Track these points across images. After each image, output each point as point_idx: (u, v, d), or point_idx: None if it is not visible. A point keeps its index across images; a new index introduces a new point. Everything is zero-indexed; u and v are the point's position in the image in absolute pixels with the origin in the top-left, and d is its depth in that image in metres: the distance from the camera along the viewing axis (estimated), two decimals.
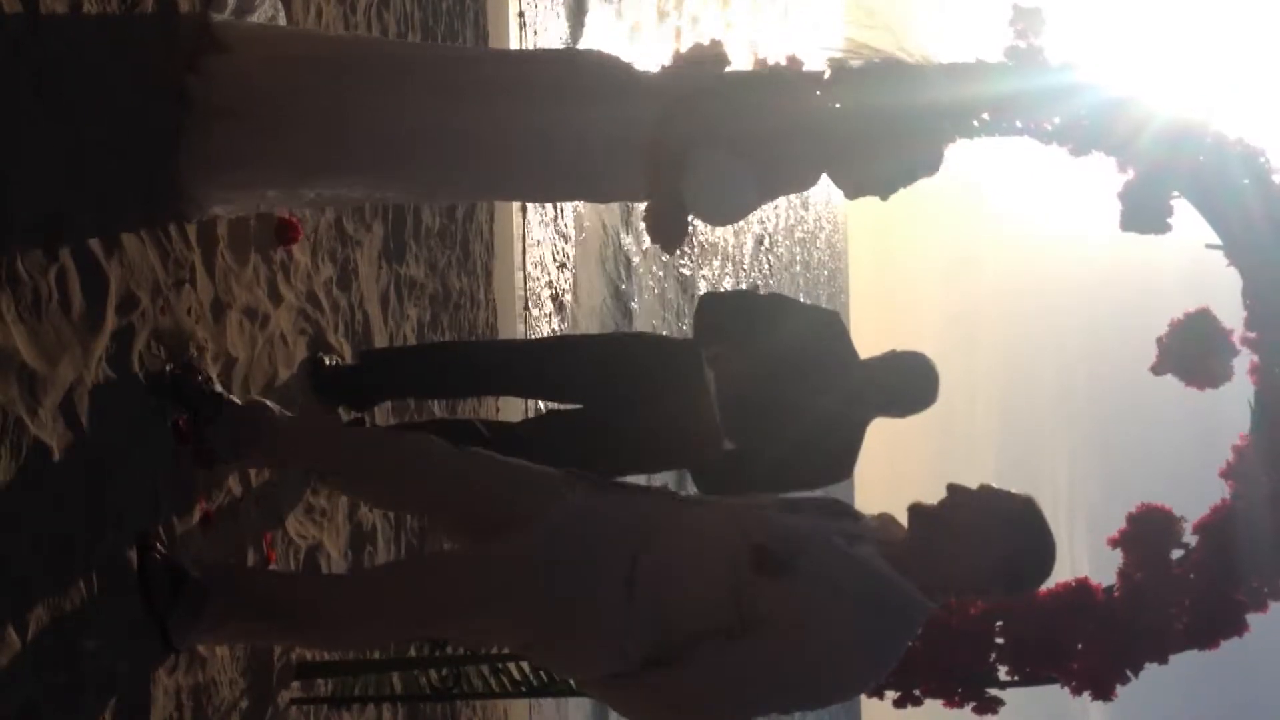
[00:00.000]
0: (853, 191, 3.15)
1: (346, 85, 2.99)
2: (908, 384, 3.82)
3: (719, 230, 15.02)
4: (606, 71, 3.09)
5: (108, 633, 2.63)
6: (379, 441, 3.23)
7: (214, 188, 3.02)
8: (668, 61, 3.49)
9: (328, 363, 3.88)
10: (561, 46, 8.01)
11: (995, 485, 2.69)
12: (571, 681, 3.61)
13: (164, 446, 2.92)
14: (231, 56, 3.02)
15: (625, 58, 3.14)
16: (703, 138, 2.95)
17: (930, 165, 3.11)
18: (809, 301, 4.86)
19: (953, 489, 2.70)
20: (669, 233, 3.07)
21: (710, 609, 2.57)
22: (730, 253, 15.82)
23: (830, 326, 3.94)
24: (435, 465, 2.94)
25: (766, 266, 20.01)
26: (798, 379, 3.71)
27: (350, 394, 3.98)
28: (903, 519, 2.72)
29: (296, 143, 2.99)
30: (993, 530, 2.60)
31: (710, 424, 3.62)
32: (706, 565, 2.62)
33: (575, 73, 3.07)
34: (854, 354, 3.90)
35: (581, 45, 8.95)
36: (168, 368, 2.92)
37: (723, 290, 6.77)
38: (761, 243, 19.43)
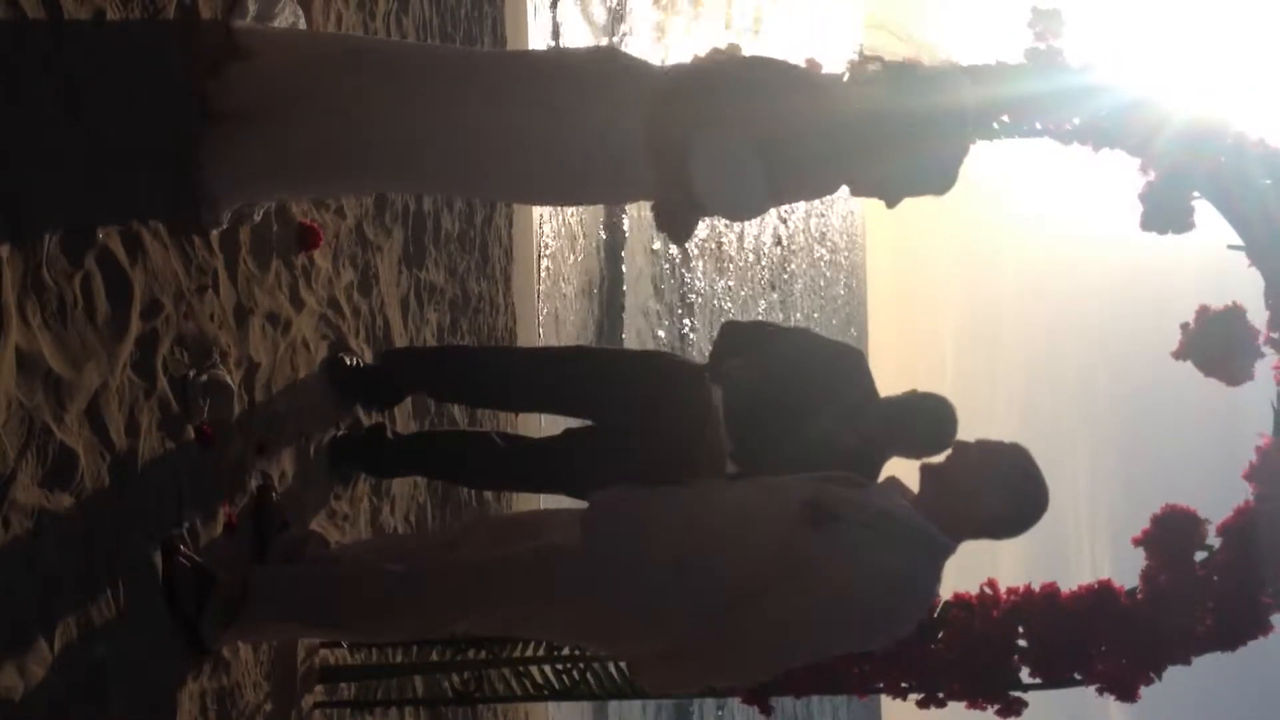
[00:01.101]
0: (859, 188, 3.13)
1: (364, 87, 2.98)
2: (924, 426, 3.77)
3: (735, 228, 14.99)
4: (620, 68, 3.07)
5: (133, 636, 2.64)
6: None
7: (235, 192, 3.03)
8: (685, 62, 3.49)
9: (348, 362, 3.90)
10: (578, 45, 8.02)
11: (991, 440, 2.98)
12: (622, 666, 3.69)
13: (188, 451, 2.94)
14: (253, 62, 3.03)
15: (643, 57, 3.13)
16: (705, 120, 2.92)
17: (940, 180, 3.08)
18: (828, 334, 4.87)
19: (955, 444, 3.02)
20: (677, 225, 3.07)
21: (759, 572, 2.77)
22: (744, 253, 15.82)
23: (850, 361, 3.95)
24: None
25: (784, 266, 20.01)
26: (808, 404, 3.70)
27: (370, 392, 4.01)
28: (912, 484, 2.99)
29: (314, 144, 3.00)
30: (991, 474, 2.87)
31: (713, 449, 3.63)
32: (752, 533, 2.84)
33: (599, 80, 3.05)
34: (873, 390, 3.89)
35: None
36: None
37: (742, 320, 6.84)
38: (780, 242, 19.42)
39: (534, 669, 4.02)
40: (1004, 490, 2.86)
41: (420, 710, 4.51)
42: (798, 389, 3.74)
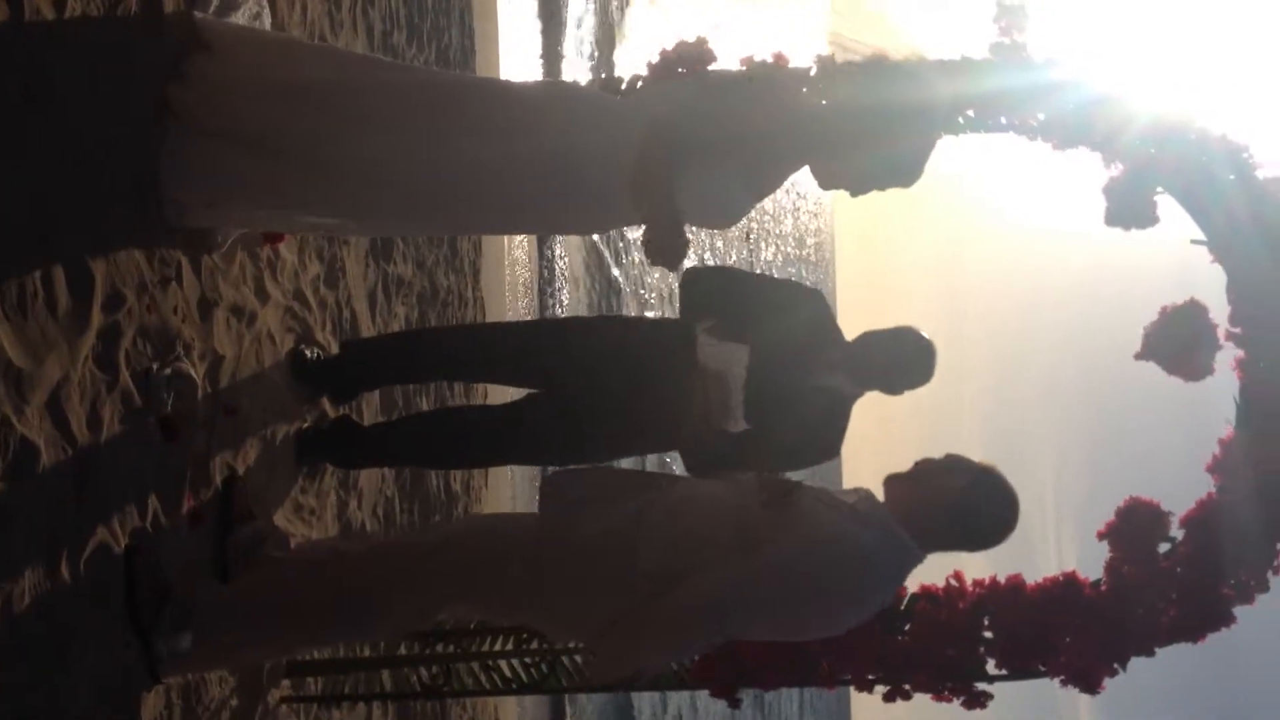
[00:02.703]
0: (827, 181, 3.15)
1: (334, 123, 2.97)
2: (899, 358, 3.72)
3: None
4: (585, 102, 3.11)
5: (96, 631, 2.63)
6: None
7: (196, 202, 3.02)
8: (654, 60, 3.50)
9: (310, 355, 3.88)
10: (541, 79, 7.94)
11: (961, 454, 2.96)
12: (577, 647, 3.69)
13: (152, 444, 2.92)
14: (216, 63, 3.00)
15: (605, 76, 3.17)
16: (687, 157, 2.96)
17: (906, 173, 3.09)
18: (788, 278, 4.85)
19: (921, 460, 2.96)
20: (669, 256, 3.08)
21: (715, 544, 2.77)
22: (715, 245, 15.82)
23: (814, 303, 3.91)
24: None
25: (753, 256, 20.02)
26: (788, 358, 3.67)
27: (333, 384, 3.98)
28: (879, 494, 2.95)
29: (279, 177, 2.99)
30: (953, 476, 2.87)
31: (707, 406, 3.60)
32: (712, 512, 2.86)
33: (557, 106, 3.07)
34: (838, 330, 3.86)
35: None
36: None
37: (705, 266, 6.66)
38: (749, 236, 19.42)
39: (502, 663, 4.01)
40: (966, 483, 2.86)
41: (388, 704, 4.49)
42: (774, 354, 3.71)
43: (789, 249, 26.60)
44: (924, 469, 2.92)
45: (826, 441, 3.78)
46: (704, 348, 3.58)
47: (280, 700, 3.73)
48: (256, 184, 3.01)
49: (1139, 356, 3.62)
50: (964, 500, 2.84)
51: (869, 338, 3.71)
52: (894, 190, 3.13)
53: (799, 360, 3.68)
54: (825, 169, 3.12)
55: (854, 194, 3.17)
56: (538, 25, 8.70)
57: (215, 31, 3.06)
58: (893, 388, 3.70)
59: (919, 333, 3.70)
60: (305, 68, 3.09)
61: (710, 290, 3.90)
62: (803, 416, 3.63)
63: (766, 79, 3.24)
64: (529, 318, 7.88)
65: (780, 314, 3.78)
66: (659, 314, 11.34)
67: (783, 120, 3.08)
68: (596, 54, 10.28)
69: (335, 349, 4.13)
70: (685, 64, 3.69)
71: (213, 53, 3.02)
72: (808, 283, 4.37)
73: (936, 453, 2.98)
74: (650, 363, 3.67)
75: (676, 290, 4.23)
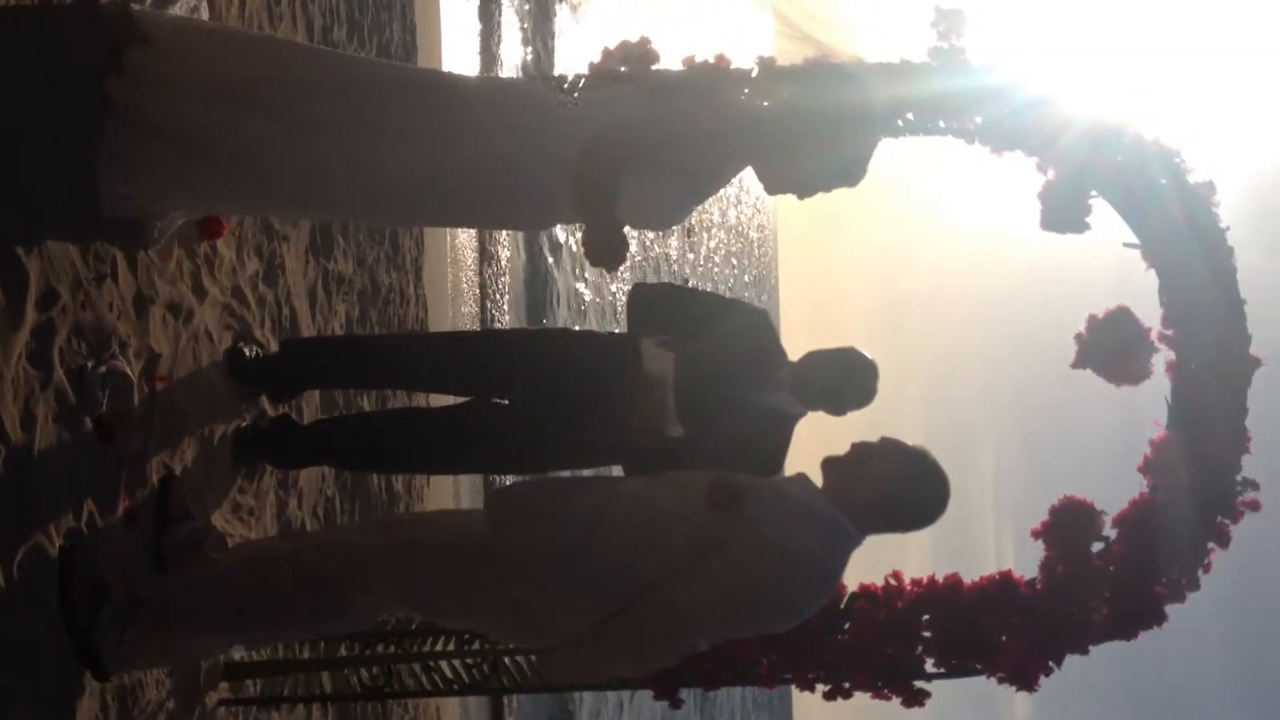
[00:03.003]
0: (773, 187, 3.17)
1: (276, 117, 2.94)
2: (843, 380, 3.77)
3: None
4: (530, 101, 3.11)
5: (29, 633, 2.59)
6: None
7: (134, 195, 2.98)
8: (596, 59, 3.50)
9: (249, 353, 3.84)
10: (481, 75, 7.90)
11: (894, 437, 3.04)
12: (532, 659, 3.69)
13: (87, 443, 2.88)
14: (155, 56, 2.96)
15: (547, 75, 3.18)
16: (628, 163, 2.97)
17: (851, 174, 3.13)
18: (735, 297, 4.90)
19: (857, 443, 3.05)
20: (608, 258, 3.08)
21: (669, 560, 2.81)
22: (656, 243, 15.83)
23: (759, 322, 3.95)
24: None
25: (695, 257, 20.05)
26: (727, 372, 3.70)
27: (272, 383, 3.94)
28: (818, 478, 3.04)
29: (221, 169, 2.96)
30: (886, 457, 2.98)
31: (653, 415, 3.62)
32: (661, 525, 2.88)
33: (502, 103, 3.07)
34: (782, 350, 3.90)
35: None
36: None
37: (652, 282, 6.69)
38: (690, 234, 19.43)
39: (444, 664, 4.00)
40: (900, 464, 2.96)
41: (328, 706, 4.46)
42: (715, 370, 3.73)
43: (732, 243, 26.65)
44: (860, 453, 3.00)
45: (763, 455, 3.80)
46: (649, 356, 3.61)
47: (218, 703, 3.69)
48: (197, 176, 2.98)
49: (1075, 365, 3.66)
50: (900, 484, 2.95)
51: (812, 358, 3.76)
52: (839, 190, 3.16)
53: (740, 375, 3.71)
54: (770, 174, 3.14)
55: (801, 197, 3.19)
56: (477, 23, 8.65)
57: (154, 23, 3.02)
58: (835, 409, 3.75)
59: (862, 354, 3.75)
60: (247, 59, 3.06)
61: (655, 306, 3.94)
62: (738, 429, 3.65)
63: (710, 82, 3.25)
64: (473, 324, 7.85)
65: (724, 330, 3.82)
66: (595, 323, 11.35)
67: (725, 124, 3.10)
68: (536, 49, 10.25)
69: (274, 347, 4.09)
70: (628, 63, 3.69)
71: (151, 45, 2.98)
72: (755, 302, 4.43)
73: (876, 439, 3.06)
74: (597, 371, 3.68)
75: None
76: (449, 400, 4.05)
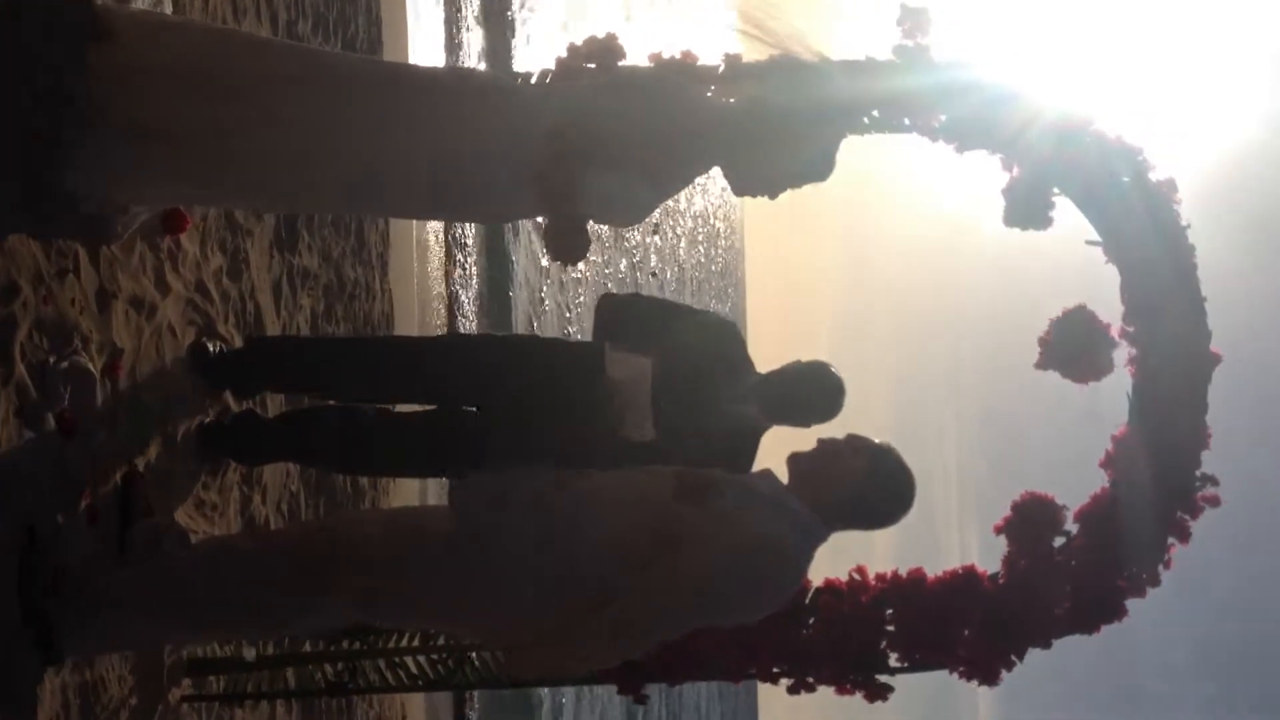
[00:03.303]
0: (742, 189, 3.17)
1: (245, 112, 2.90)
2: (809, 393, 3.81)
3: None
4: (492, 93, 3.09)
5: None
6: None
7: (97, 193, 2.93)
8: (563, 54, 3.49)
9: (212, 348, 3.81)
10: (443, 67, 7.85)
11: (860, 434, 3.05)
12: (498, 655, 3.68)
13: (49, 440, 2.86)
14: (118, 50, 2.92)
15: (512, 70, 3.15)
16: (592, 158, 2.96)
17: (819, 170, 3.14)
18: (704, 306, 4.91)
19: (823, 440, 3.06)
20: (569, 253, 3.09)
21: (633, 553, 2.80)
22: (622, 240, 15.81)
23: (727, 334, 3.98)
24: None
25: (660, 254, 20.04)
26: (697, 382, 3.73)
27: (236, 378, 3.92)
28: (783, 473, 3.04)
29: (187, 165, 2.92)
30: (852, 456, 2.98)
31: (619, 423, 3.64)
32: (625, 512, 2.88)
33: (462, 95, 3.04)
34: (749, 362, 3.93)
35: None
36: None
37: (619, 293, 6.71)
38: (656, 230, 19.41)
39: (409, 659, 3.99)
40: (866, 462, 2.97)
41: (292, 702, 4.44)
42: (689, 371, 3.75)
43: (698, 229, 26.63)
44: (827, 450, 3.01)
45: (731, 466, 3.82)
46: (614, 362, 3.63)
47: (181, 699, 3.68)
48: (162, 168, 2.94)
49: (1039, 366, 3.69)
50: (866, 484, 2.96)
51: (780, 373, 3.81)
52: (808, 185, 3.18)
53: (708, 385, 3.74)
54: (738, 175, 3.14)
55: (772, 196, 3.20)
56: (441, 15, 8.60)
57: (116, 17, 2.99)
58: (800, 424, 3.78)
59: (829, 371, 3.81)
60: (210, 51, 3.03)
61: (624, 316, 3.95)
62: (709, 437, 3.68)
63: (677, 80, 3.25)
64: (440, 319, 7.81)
65: (692, 341, 3.84)
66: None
67: (693, 123, 3.10)
68: (501, 42, 10.20)
69: (239, 342, 4.07)
70: (594, 59, 3.69)
71: (114, 40, 2.94)
72: (722, 313, 4.46)
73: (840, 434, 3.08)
74: (562, 378, 3.70)
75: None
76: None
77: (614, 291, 11.81)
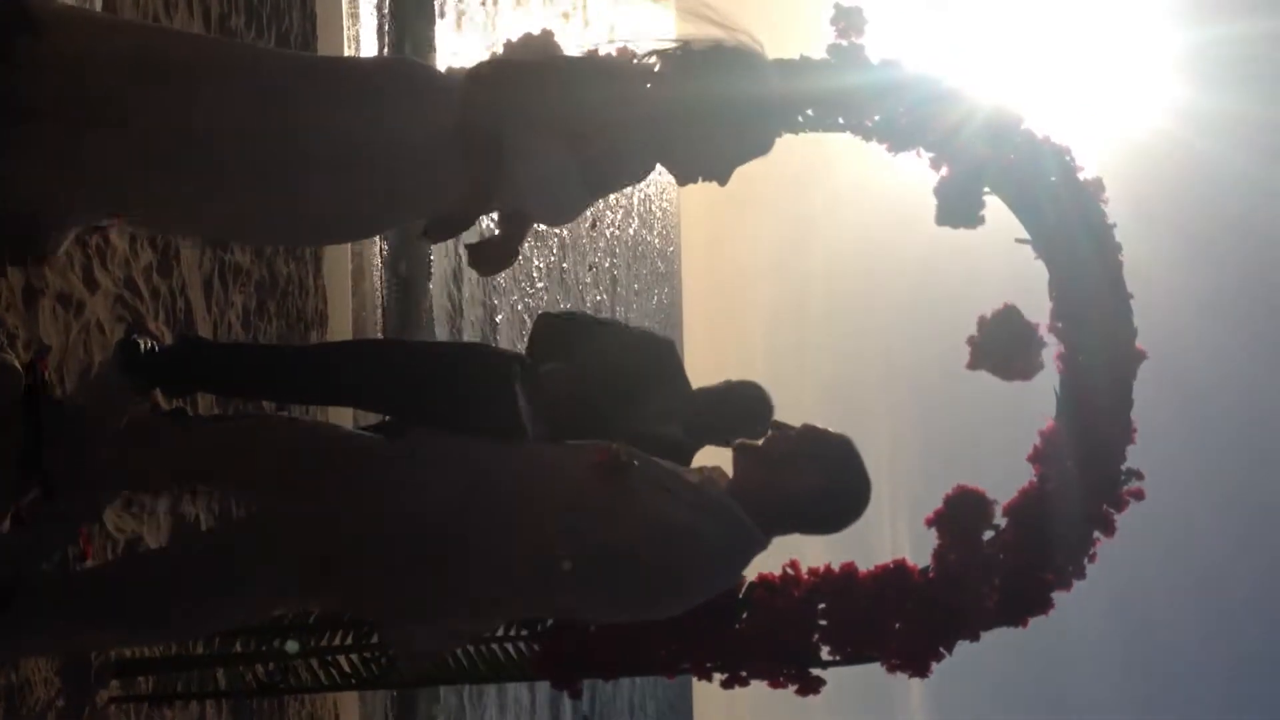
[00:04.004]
0: (685, 178, 3.15)
1: (176, 112, 2.82)
2: (743, 414, 3.84)
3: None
4: (425, 76, 3.00)
5: None
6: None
7: (30, 197, 2.84)
8: (497, 49, 3.47)
9: (143, 346, 3.75)
10: (387, 56, 7.73)
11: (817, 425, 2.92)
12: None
13: None
14: (46, 45, 2.82)
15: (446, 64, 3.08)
16: (515, 110, 2.85)
17: (760, 146, 3.12)
18: (641, 324, 4.93)
19: (777, 430, 2.92)
20: (491, 260, 3.06)
21: (547, 527, 2.65)
22: (565, 239, 15.80)
23: (663, 352, 3.99)
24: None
25: (599, 250, 20.05)
26: (627, 399, 3.73)
27: (166, 377, 3.86)
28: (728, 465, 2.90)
29: (115, 167, 2.81)
30: (808, 463, 2.83)
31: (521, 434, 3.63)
32: (544, 489, 2.73)
33: (400, 87, 2.92)
34: (686, 381, 3.96)
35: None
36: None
37: (557, 311, 6.71)
38: (594, 225, 19.39)
39: (341, 658, 3.96)
40: (821, 475, 2.83)
41: (223, 703, 4.40)
42: (617, 389, 3.76)
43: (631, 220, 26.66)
44: (779, 447, 2.87)
45: None
46: (541, 376, 3.63)
47: (109, 700, 3.63)
48: (90, 175, 2.86)
49: (970, 367, 3.73)
50: (824, 494, 2.84)
51: (710, 393, 3.85)
52: (737, 184, 3.18)
53: (640, 403, 3.74)
54: (680, 167, 3.11)
55: (722, 183, 3.18)
56: (375, 12, 8.53)
57: (46, 10, 2.91)
58: (727, 441, 3.81)
59: (760, 390, 3.84)
60: (143, 50, 2.97)
61: (559, 335, 3.96)
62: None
63: (614, 71, 3.22)
64: (375, 316, 7.75)
65: (623, 358, 3.85)
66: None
67: (628, 111, 3.07)
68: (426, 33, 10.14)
69: (169, 339, 4.02)
70: (529, 55, 3.68)
71: (44, 34, 2.86)
72: (659, 332, 4.47)
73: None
74: (471, 388, 3.67)
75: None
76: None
77: (552, 311, 11.80)
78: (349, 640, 3.94)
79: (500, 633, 3.81)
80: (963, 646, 3.67)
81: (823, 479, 2.84)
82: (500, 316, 11.71)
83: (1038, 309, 3.70)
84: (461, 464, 2.81)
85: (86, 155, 2.82)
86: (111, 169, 2.87)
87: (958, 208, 3.59)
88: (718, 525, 2.76)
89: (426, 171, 2.92)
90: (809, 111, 3.64)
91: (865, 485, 2.90)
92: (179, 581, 2.83)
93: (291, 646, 3.89)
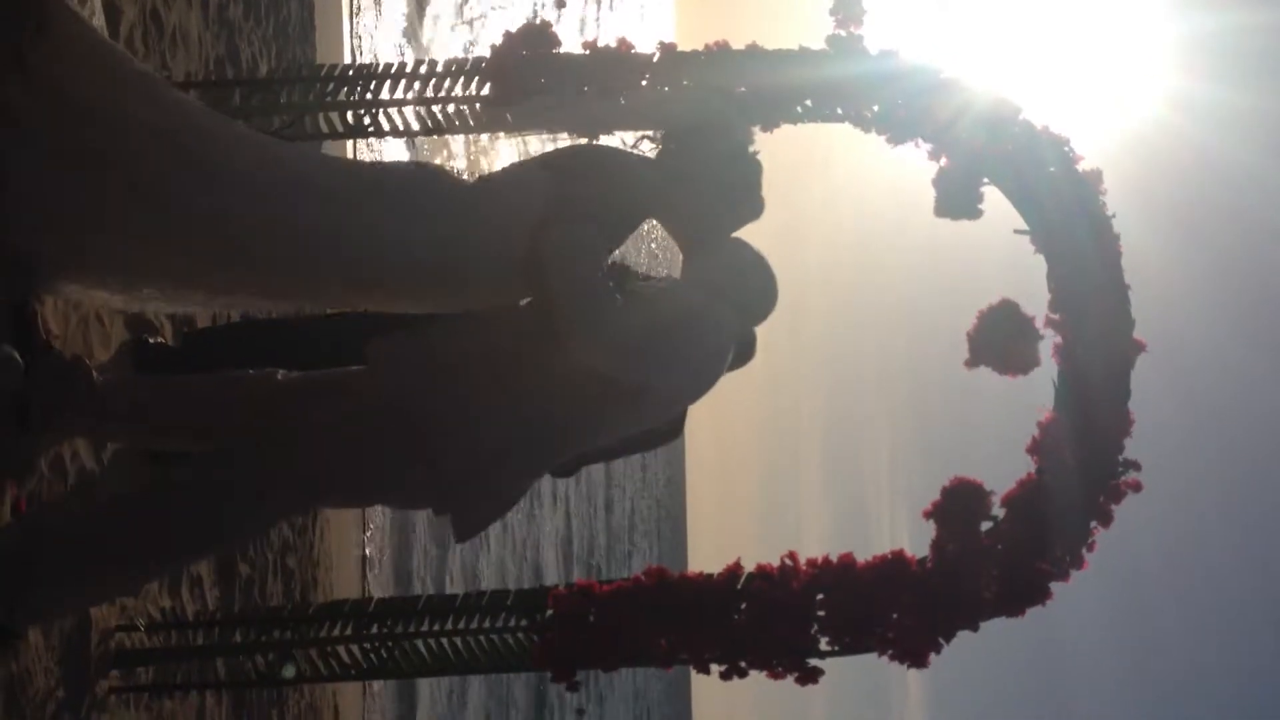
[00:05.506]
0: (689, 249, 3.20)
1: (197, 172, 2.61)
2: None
3: None
4: (458, 196, 2.94)
5: None
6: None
7: (31, 226, 2.66)
8: (497, 42, 3.46)
9: (153, 343, 3.75)
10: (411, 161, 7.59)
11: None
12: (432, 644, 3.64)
13: None
14: (59, 61, 2.63)
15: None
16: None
17: (754, 208, 3.17)
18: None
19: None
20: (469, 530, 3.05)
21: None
22: None
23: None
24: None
25: None
26: None
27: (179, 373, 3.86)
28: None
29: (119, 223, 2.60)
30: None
31: None
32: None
33: (430, 192, 2.89)
34: None
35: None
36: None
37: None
38: None
39: (341, 648, 3.96)
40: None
41: (223, 693, 4.41)
42: None
43: None
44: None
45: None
46: None
47: (109, 690, 3.63)
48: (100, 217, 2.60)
49: (969, 364, 3.74)
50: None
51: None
52: None
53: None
54: (686, 234, 3.15)
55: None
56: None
57: (63, 17, 2.60)
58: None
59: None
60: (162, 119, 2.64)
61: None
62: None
63: (624, 159, 3.17)
64: None
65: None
66: None
67: (633, 199, 3.03)
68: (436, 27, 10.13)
69: (168, 330, 4.02)
70: (528, 47, 3.69)
71: (57, 44, 2.53)
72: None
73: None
74: None
75: None
76: None
77: None
78: (348, 631, 3.94)
79: (500, 624, 3.82)
80: (960, 640, 3.68)
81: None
82: None
83: (1036, 305, 3.71)
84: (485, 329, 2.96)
85: (91, 199, 2.59)
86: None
87: (957, 199, 3.59)
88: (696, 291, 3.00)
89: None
90: (807, 102, 3.65)
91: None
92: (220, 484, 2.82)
93: (288, 671, 3.91)
